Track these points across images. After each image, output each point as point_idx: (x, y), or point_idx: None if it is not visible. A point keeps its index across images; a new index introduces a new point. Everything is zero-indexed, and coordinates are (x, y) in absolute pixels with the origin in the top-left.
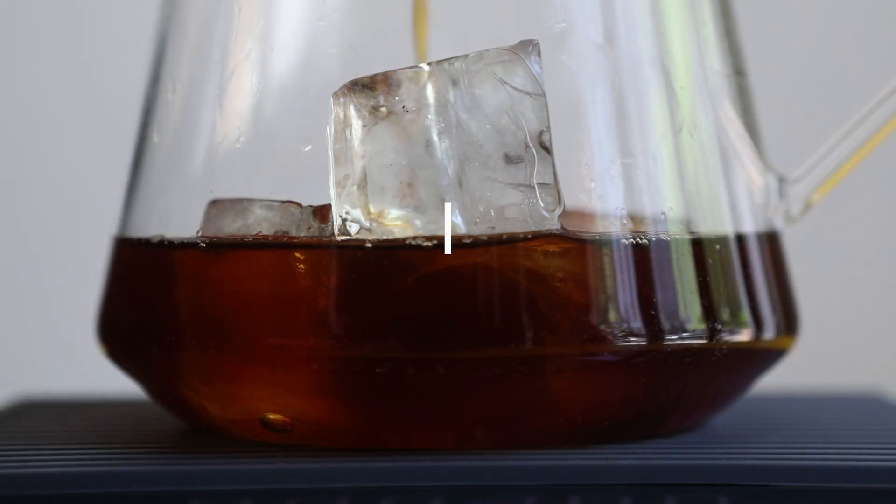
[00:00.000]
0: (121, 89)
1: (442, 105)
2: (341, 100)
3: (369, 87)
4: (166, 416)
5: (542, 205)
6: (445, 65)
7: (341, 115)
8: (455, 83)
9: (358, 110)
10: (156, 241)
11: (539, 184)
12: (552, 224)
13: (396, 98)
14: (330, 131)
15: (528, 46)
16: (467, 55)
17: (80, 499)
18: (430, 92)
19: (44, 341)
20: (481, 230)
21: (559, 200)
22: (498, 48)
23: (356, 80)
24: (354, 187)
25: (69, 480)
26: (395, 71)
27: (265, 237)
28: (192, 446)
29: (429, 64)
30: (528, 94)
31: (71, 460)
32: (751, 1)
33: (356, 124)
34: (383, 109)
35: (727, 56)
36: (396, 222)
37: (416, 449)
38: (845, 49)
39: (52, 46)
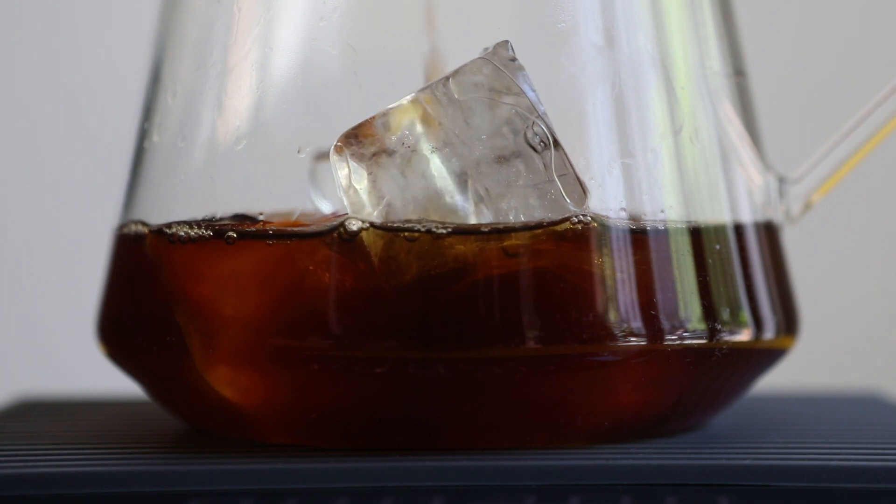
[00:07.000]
0: (121, 88)
1: (436, 131)
2: (339, 155)
3: (362, 136)
4: (166, 416)
5: (565, 196)
6: (429, 90)
7: (346, 170)
8: (442, 106)
9: (359, 161)
10: (155, 240)
11: (560, 176)
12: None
13: (392, 138)
14: (338, 183)
15: (503, 49)
16: (447, 76)
17: (80, 499)
18: (421, 122)
19: (44, 341)
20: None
21: (583, 189)
22: (473, 60)
23: (348, 132)
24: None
25: (69, 480)
26: (381, 113)
27: (263, 233)
28: (192, 446)
29: (411, 97)
30: (514, 94)
31: (71, 460)
32: (751, 1)
33: (362, 174)
34: (382, 153)
35: (727, 56)
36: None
37: (416, 449)
38: (845, 49)
39: (52, 46)
